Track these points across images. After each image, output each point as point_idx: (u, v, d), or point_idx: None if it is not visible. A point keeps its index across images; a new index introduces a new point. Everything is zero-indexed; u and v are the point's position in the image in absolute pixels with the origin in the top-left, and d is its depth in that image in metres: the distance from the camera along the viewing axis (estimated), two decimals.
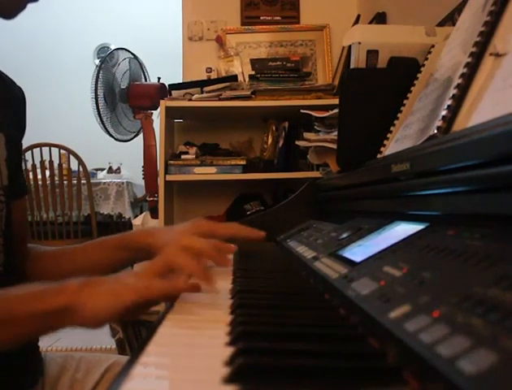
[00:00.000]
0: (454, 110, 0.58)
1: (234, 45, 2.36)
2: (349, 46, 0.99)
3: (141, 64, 2.61)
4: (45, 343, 1.88)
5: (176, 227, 0.74)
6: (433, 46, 0.83)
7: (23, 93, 0.80)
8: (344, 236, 0.65)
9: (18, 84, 0.80)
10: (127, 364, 0.31)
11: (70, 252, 0.81)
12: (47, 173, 2.92)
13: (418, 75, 0.81)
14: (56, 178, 2.91)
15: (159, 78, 2.47)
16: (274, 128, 2.18)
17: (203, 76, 2.20)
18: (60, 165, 2.91)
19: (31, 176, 2.87)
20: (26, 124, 0.80)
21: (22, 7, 0.64)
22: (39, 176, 2.89)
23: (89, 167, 3.13)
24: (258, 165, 2.12)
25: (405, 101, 0.81)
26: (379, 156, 0.80)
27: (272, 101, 1.98)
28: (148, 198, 2.36)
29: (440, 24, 1.25)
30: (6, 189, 0.70)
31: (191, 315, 0.46)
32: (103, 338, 2.06)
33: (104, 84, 2.38)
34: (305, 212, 1.07)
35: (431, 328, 0.28)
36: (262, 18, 2.41)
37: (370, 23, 2.00)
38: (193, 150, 2.07)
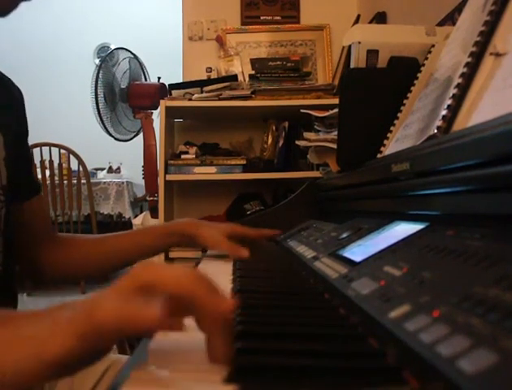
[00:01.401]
0: (454, 110, 0.58)
1: (234, 44, 2.36)
2: (349, 46, 0.99)
3: (140, 64, 2.61)
4: None
5: (215, 224, 0.89)
6: (433, 46, 0.83)
7: (21, 94, 0.80)
8: (344, 235, 0.65)
9: (18, 83, 0.80)
10: (126, 363, 0.31)
11: (116, 237, 0.89)
12: (47, 173, 2.92)
13: (418, 75, 0.81)
14: (56, 178, 2.91)
15: (159, 78, 2.47)
16: (274, 128, 2.17)
17: (203, 76, 2.20)
18: (60, 165, 2.91)
19: None
20: (28, 124, 0.81)
21: (14, 6, 0.64)
22: (39, 176, 2.89)
23: (89, 167, 3.13)
24: (258, 165, 2.12)
25: (405, 101, 0.81)
26: (379, 156, 0.80)
27: (272, 101, 1.98)
28: (148, 198, 2.36)
29: (440, 24, 1.25)
30: (5, 189, 0.70)
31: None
32: None
33: (104, 84, 2.38)
34: (305, 212, 1.07)
35: (431, 328, 0.28)
36: (262, 18, 2.41)
37: (370, 23, 2.00)
38: (192, 150, 2.07)
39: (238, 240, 0.85)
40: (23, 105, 0.80)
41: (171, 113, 2.08)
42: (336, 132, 0.98)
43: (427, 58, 0.82)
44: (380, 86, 0.85)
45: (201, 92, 2.02)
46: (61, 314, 0.33)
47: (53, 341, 0.31)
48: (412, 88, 0.81)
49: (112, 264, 0.89)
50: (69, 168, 2.98)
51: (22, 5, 0.65)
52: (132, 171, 3.70)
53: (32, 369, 0.31)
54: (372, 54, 0.89)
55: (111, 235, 0.90)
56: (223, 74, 2.23)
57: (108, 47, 4.55)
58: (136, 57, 2.58)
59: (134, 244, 0.88)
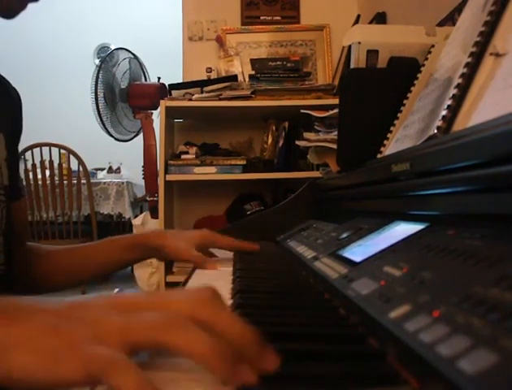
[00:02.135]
0: (454, 110, 0.58)
1: (234, 45, 2.36)
2: (349, 46, 0.99)
3: (140, 64, 2.61)
4: None
5: (183, 233, 0.82)
6: (433, 46, 0.83)
7: (19, 95, 0.80)
8: (344, 235, 0.65)
9: (18, 84, 0.80)
10: None
11: (79, 251, 0.84)
12: (47, 173, 2.92)
13: (418, 75, 0.81)
14: (56, 178, 2.91)
15: (159, 78, 2.47)
16: (274, 128, 2.18)
17: (203, 76, 2.20)
18: (60, 165, 2.91)
19: (31, 176, 2.87)
20: (22, 127, 0.80)
21: (22, 7, 0.64)
22: (39, 176, 2.90)
23: (89, 167, 3.13)
24: (258, 165, 2.12)
25: (405, 101, 0.81)
26: (379, 156, 0.80)
27: (272, 101, 1.98)
28: (148, 198, 2.36)
29: (440, 24, 1.25)
30: (6, 189, 0.70)
31: None
32: None
33: (104, 84, 2.38)
34: (305, 212, 1.07)
35: (431, 328, 0.28)
36: (262, 18, 2.41)
37: (371, 23, 2.00)
38: (193, 150, 2.07)
39: (207, 250, 0.83)
40: (21, 107, 0.80)
41: (171, 113, 2.08)
42: (336, 133, 0.98)
43: (427, 59, 0.82)
44: (380, 86, 0.85)
45: (202, 92, 2.02)
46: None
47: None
48: (412, 88, 0.81)
49: (79, 277, 0.85)
50: (69, 168, 2.98)
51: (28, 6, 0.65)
52: (132, 171, 3.70)
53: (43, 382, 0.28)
54: (372, 54, 0.89)
55: (73, 247, 0.85)
56: (223, 74, 2.23)
57: (108, 47, 4.55)
58: (136, 57, 2.58)
59: (93, 260, 0.82)
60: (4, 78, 0.77)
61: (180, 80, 2.24)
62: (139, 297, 0.33)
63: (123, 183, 3.24)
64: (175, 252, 0.77)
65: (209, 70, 2.24)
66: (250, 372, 0.27)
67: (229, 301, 0.48)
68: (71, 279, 0.84)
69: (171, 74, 2.40)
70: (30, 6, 0.65)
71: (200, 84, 2.06)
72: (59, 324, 0.29)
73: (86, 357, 0.27)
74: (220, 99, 1.98)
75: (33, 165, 2.87)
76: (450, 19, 1.22)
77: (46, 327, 0.29)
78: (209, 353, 0.27)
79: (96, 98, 2.36)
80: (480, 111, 0.52)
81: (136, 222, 2.48)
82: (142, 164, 2.39)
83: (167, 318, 0.29)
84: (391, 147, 0.77)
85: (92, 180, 3.14)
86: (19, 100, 0.80)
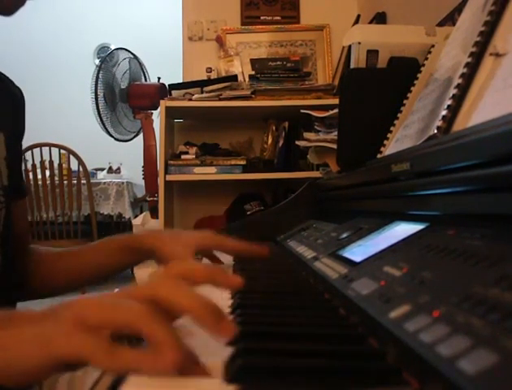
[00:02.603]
0: (454, 110, 0.58)
1: (234, 45, 2.36)
2: (349, 46, 0.99)
3: (140, 64, 2.61)
4: None
5: (183, 234, 0.74)
6: (433, 46, 0.83)
7: (22, 94, 0.80)
8: (344, 236, 0.65)
9: (18, 84, 0.79)
10: None
11: (76, 253, 0.81)
12: (47, 173, 2.92)
13: (418, 75, 0.81)
14: (56, 178, 2.91)
15: (159, 78, 2.47)
16: (274, 128, 2.18)
17: (203, 76, 2.20)
18: (60, 165, 2.91)
19: (31, 176, 2.87)
20: (25, 125, 0.80)
21: (21, 3, 0.64)
22: (39, 176, 2.89)
23: (89, 167, 3.13)
24: (258, 165, 2.12)
25: (405, 101, 0.81)
26: (379, 156, 0.80)
27: (272, 101, 1.98)
28: (148, 198, 2.36)
29: (440, 24, 1.25)
30: (6, 189, 0.70)
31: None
32: None
33: (104, 84, 2.38)
34: (305, 212, 1.07)
35: (431, 328, 0.28)
36: (262, 18, 2.41)
37: (371, 23, 2.00)
38: (193, 150, 2.07)
39: (209, 253, 0.76)
40: (24, 105, 0.80)
41: (171, 113, 2.08)
42: (336, 133, 0.98)
43: (427, 59, 0.82)
44: (380, 86, 0.85)
45: (202, 92, 2.02)
46: (54, 319, 0.34)
47: (58, 339, 0.32)
48: (412, 88, 0.81)
49: (78, 280, 0.82)
50: (69, 168, 2.98)
51: (26, 4, 0.65)
52: (132, 172, 3.70)
53: (37, 363, 0.32)
54: (372, 54, 0.89)
55: (68, 250, 0.83)
56: (223, 74, 2.23)
57: (108, 47, 4.55)
58: (136, 57, 2.58)
59: (89, 263, 0.78)
60: (6, 76, 0.77)
61: (180, 80, 2.24)
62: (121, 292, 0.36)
63: (123, 183, 3.24)
64: (171, 257, 0.68)
65: (209, 70, 2.24)
66: (232, 325, 0.31)
67: (229, 301, 0.48)
68: (70, 282, 0.81)
69: (171, 74, 2.40)
70: (29, 4, 0.65)
71: (200, 84, 2.06)
72: (47, 316, 0.34)
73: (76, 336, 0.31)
74: (220, 99, 1.98)
75: (33, 165, 2.87)
76: (450, 19, 1.22)
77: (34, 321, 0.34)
78: (199, 307, 0.32)
79: (96, 98, 2.36)
80: (480, 111, 0.52)
81: (136, 222, 2.48)
82: (142, 164, 2.39)
83: (152, 282, 0.34)
84: (391, 147, 0.77)
85: (92, 180, 3.14)
86: (23, 99, 0.80)
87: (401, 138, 0.75)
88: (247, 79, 2.14)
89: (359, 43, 0.89)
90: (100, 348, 0.30)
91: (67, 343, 0.31)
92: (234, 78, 2.08)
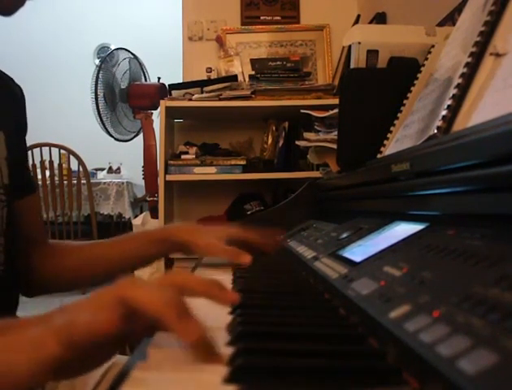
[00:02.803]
0: (454, 110, 0.58)
1: (234, 45, 2.36)
2: (349, 46, 0.99)
3: (140, 64, 2.61)
4: None
5: (213, 228, 0.79)
6: (433, 46, 0.83)
7: (22, 92, 0.80)
8: (344, 236, 0.65)
9: (18, 83, 0.80)
10: (126, 364, 0.31)
11: (105, 245, 0.83)
12: (47, 173, 2.92)
13: (418, 75, 0.81)
14: (56, 178, 2.91)
15: (159, 78, 2.47)
16: (274, 128, 2.18)
17: (203, 76, 2.20)
18: (60, 165, 2.91)
19: None
20: (27, 122, 0.80)
21: (21, 4, 0.64)
22: (39, 176, 2.89)
23: (89, 167, 3.13)
24: (258, 165, 2.12)
25: (405, 101, 0.81)
26: (379, 156, 0.80)
27: (272, 101, 1.98)
28: (148, 198, 2.36)
29: (440, 24, 1.25)
30: (6, 188, 0.70)
31: None
32: None
33: (104, 84, 2.38)
34: (305, 212, 1.07)
35: (431, 328, 0.28)
36: (262, 18, 2.41)
37: (371, 23, 2.00)
38: (193, 150, 2.07)
39: (240, 246, 0.76)
40: (24, 103, 0.80)
41: (171, 113, 2.08)
42: (336, 133, 0.98)
43: (427, 59, 0.82)
44: (380, 86, 0.85)
45: (202, 92, 2.02)
46: (50, 323, 0.35)
47: (46, 346, 0.33)
48: (412, 88, 0.81)
49: (102, 273, 0.82)
50: (69, 168, 2.98)
51: (26, 4, 0.65)
52: (132, 172, 3.70)
53: (26, 370, 0.32)
54: (372, 54, 0.89)
55: (97, 242, 0.85)
56: (223, 74, 2.23)
57: (108, 47, 4.55)
58: (136, 57, 2.58)
59: (119, 254, 0.80)
60: (7, 75, 0.77)
61: (180, 80, 2.24)
62: None
63: (123, 183, 3.24)
64: (205, 248, 0.74)
65: (209, 70, 2.23)
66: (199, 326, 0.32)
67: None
68: (94, 276, 0.82)
69: (171, 74, 2.40)
70: (29, 4, 0.65)
71: (200, 84, 2.06)
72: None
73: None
74: (220, 99, 1.98)
75: (33, 165, 2.87)
76: (450, 19, 1.22)
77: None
78: (162, 306, 0.33)
79: (96, 98, 2.36)
80: (480, 111, 0.52)
81: (136, 222, 2.48)
82: (142, 164, 2.39)
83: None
84: (391, 147, 0.77)
85: (92, 180, 3.14)
86: (23, 97, 0.80)
87: (401, 138, 0.75)
88: (247, 79, 2.14)
89: (359, 43, 0.89)
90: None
91: (55, 344, 0.33)
92: (234, 78, 2.08)
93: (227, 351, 0.32)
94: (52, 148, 2.90)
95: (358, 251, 0.54)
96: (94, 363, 0.37)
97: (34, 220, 0.80)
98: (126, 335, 0.35)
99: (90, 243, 0.85)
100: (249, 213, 2.05)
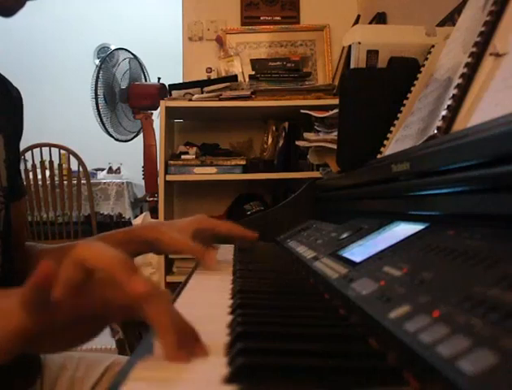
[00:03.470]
0: (454, 110, 0.58)
1: (234, 45, 2.36)
2: (349, 46, 0.99)
3: (140, 64, 2.61)
4: None
5: (178, 222, 0.77)
6: (433, 46, 0.83)
7: (20, 94, 0.79)
8: (345, 236, 0.65)
9: (18, 84, 0.79)
10: (126, 363, 0.31)
11: (69, 248, 0.81)
12: (47, 173, 2.92)
13: (418, 75, 0.81)
14: (56, 178, 2.91)
15: (159, 78, 2.47)
16: (274, 128, 2.18)
17: (203, 76, 2.20)
18: (60, 165, 2.91)
19: (31, 176, 2.87)
20: (23, 126, 0.80)
21: (21, 5, 0.64)
22: (39, 176, 2.89)
23: (89, 167, 3.12)
24: (258, 165, 2.12)
25: (405, 101, 0.81)
26: (379, 156, 0.80)
27: (272, 101, 1.98)
28: (148, 198, 2.37)
29: (440, 24, 1.25)
30: (5, 190, 0.70)
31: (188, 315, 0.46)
32: (103, 338, 2.06)
33: (104, 84, 2.39)
34: (305, 212, 1.07)
35: (431, 328, 0.28)
36: (262, 18, 2.41)
37: (371, 23, 2.00)
38: (193, 150, 2.08)
39: (209, 237, 0.77)
40: (22, 106, 0.80)
41: (171, 113, 2.09)
42: (336, 133, 0.98)
43: (427, 59, 0.82)
44: (380, 86, 0.85)
45: (202, 92, 2.02)
46: (16, 294, 0.36)
47: (14, 316, 0.34)
48: (412, 88, 0.81)
49: None
50: (69, 169, 2.98)
51: (25, 4, 0.65)
52: (132, 172, 3.70)
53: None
54: (372, 54, 0.89)
55: (64, 245, 0.82)
56: (223, 74, 2.23)
57: (108, 47, 4.55)
58: (136, 57, 2.58)
59: None
60: (4, 77, 0.77)
61: (180, 81, 2.24)
62: None
63: (123, 183, 3.24)
64: (172, 244, 0.70)
65: (209, 70, 2.24)
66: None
67: (229, 301, 0.48)
68: None
69: (171, 74, 2.40)
70: (29, 4, 0.65)
71: (200, 84, 2.06)
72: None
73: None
74: (220, 99, 1.98)
75: (33, 165, 2.87)
76: (450, 19, 1.22)
77: None
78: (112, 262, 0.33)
79: (96, 98, 2.36)
80: (480, 111, 0.52)
81: (136, 222, 2.47)
82: (142, 164, 2.39)
83: None
84: (391, 147, 0.77)
85: (92, 181, 3.14)
86: (20, 99, 0.80)
87: (401, 138, 0.75)
88: (247, 79, 2.14)
89: (359, 43, 0.89)
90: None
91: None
92: (234, 78, 2.08)
93: (223, 340, 0.32)
94: (52, 148, 2.90)
95: (358, 251, 0.54)
96: (74, 341, 0.38)
97: (20, 224, 0.80)
98: (102, 312, 0.36)
99: (59, 246, 0.83)
100: (249, 213, 2.05)
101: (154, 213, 2.26)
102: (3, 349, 0.35)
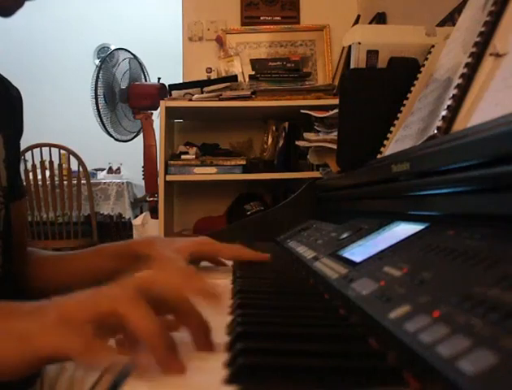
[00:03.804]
0: (454, 110, 0.58)
1: (234, 45, 2.36)
2: (349, 46, 0.99)
3: (140, 64, 2.61)
4: None
5: (178, 241, 0.72)
6: (433, 46, 0.83)
7: (20, 95, 0.79)
8: (345, 236, 0.65)
9: (18, 84, 0.79)
10: (127, 363, 0.31)
11: (69, 258, 0.81)
12: (47, 173, 2.92)
13: (418, 75, 0.81)
14: (56, 178, 2.91)
15: (159, 78, 2.47)
16: (274, 128, 2.18)
17: (203, 76, 2.20)
18: (60, 165, 2.91)
19: (31, 176, 2.87)
20: (23, 126, 0.80)
21: (19, 5, 0.64)
22: (39, 176, 2.89)
23: (89, 167, 3.13)
24: (258, 165, 2.12)
25: (405, 101, 0.81)
26: (379, 156, 0.80)
27: (272, 101, 1.98)
28: (148, 198, 2.36)
29: (440, 24, 1.25)
30: (5, 190, 0.70)
31: None
32: None
33: (104, 84, 2.38)
34: (305, 212, 1.07)
35: (431, 328, 0.28)
36: (262, 18, 2.41)
37: (371, 23, 2.00)
38: (193, 150, 2.08)
39: (209, 259, 0.74)
40: (21, 105, 0.80)
41: (171, 113, 2.09)
42: (336, 133, 0.98)
43: (427, 59, 0.82)
44: (380, 86, 0.85)
45: (202, 92, 2.02)
46: (41, 317, 0.34)
47: (39, 335, 0.33)
48: (412, 88, 0.81)
49: (64, 287, 0.76)
50: (69, 169, 2.98)
51: (24, 4, 0.65)
52: (132, 172, 3.70)
53: (17, 358, 0.33)
54: (372, 54, 0.89)
55: (68, 254, 0.83)
56: (223, 74, 2.23)
57: (108, 47, 4.55)
58: (136, 57, 2.58)
59: (86, 268, 0.77)
60: (4, 77, 0.77)
61: (180, 81, 2.24)
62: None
63: (123, 183, 3.24)
64: (160, 262, 0.66)
65: (209, 70, 2.24)
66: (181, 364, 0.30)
67: (229, 301, 0.48)
68: (63, 287, 0.77)
69: (171, 74, 2.40)
70: (28, 4, 0.65)
71: (200, 84, 2.06)
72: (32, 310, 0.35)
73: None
74: (220, 99, 1.98)
75: (33, 165, 2.87)
76: (450, 19, 1.22)
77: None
78: (154, 333, 0.31)
79: (96, 98, 2.36)
80: (480, 111, 0.52)
81: (136, 222, 2.48)
82: (142, 164, 2.39)
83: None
84: (391, 147, 0.77)
85: (92, 181, 3.14)
86: (20, 99, 0.79)
87: (401, 138, 0.75)
88: (247, 79, 2.14)
89: (359, 43, 0.89)
90: (78, 343, 0.31)
91: (47, 339, 0.32)
92: (234, 78, 2.08)
93: (224, 339, 0.32)
94: (52, 148, 2.90)
95: (358, 251, 0.54)
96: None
97: (21, 225, 0.80)
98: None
99: (60, 255, 0.83)
100: (249, 213, 2.05)
101: (153, 213, 2.26)
102: (19, 371, 0.33)
